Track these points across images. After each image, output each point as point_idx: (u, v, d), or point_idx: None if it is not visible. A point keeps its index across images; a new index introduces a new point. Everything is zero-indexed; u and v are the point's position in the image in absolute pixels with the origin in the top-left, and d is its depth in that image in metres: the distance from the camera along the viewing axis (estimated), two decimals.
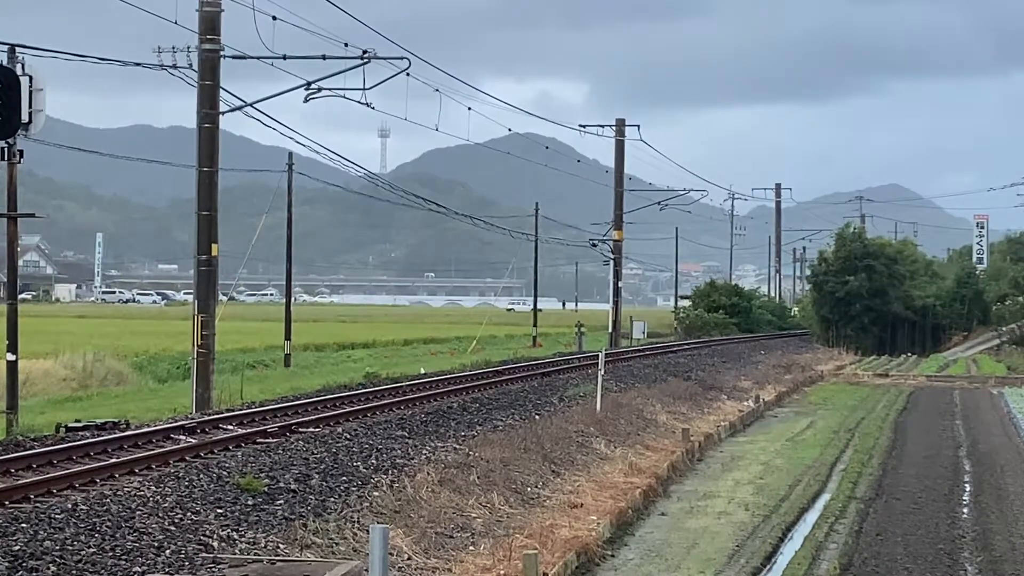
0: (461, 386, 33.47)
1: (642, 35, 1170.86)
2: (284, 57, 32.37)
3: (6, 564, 12.96)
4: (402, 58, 33.39)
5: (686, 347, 62.38)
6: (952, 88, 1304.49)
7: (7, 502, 15.41)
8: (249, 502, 17.05)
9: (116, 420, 23.42)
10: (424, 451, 22.55)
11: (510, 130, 57.49)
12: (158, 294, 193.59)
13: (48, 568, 13.03)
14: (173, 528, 15.24)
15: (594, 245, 69.26)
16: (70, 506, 15.39)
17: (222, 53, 31.20)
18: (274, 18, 31.52)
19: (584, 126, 68.12)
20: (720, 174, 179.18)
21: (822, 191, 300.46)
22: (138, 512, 15.60)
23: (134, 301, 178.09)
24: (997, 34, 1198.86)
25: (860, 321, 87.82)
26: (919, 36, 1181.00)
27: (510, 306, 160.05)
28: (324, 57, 32.69)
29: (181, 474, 17.92)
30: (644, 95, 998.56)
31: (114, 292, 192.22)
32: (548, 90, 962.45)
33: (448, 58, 37.21)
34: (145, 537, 14.68)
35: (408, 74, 33.66)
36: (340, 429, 23.62)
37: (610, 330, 68.64)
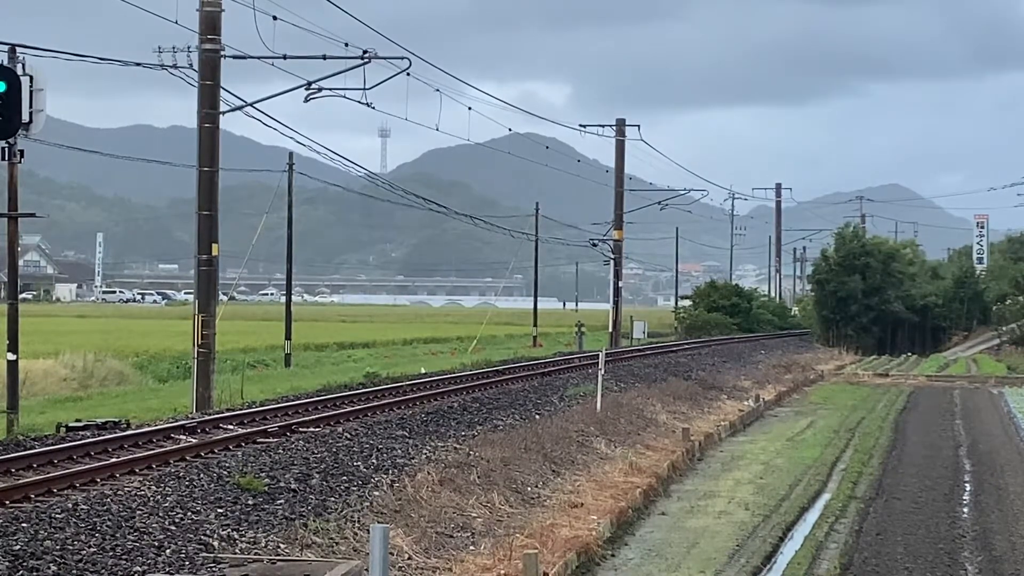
0: (461, 386, 33.47)
1: (620, 37, 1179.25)
2: (284, 57, 32.36)
3: (7, 564, 12.96)
4: (402, 58, 33.38)
5: (686, 347, 62.36)
6: (930, 90, 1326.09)
7: (8, 502, 15.41)
8: (249, 502, 17.05)
9: (117, 420, 23.41)
10: (424, 451, 22.55)
11: (510, 130, 57.49)
12: (159, 294, 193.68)
13: (48, 568, 13.03)
14: (173, 528, 15.24)
15: (594, 245, 69.26)
16: (70, 506, 15.39)
17: (222, 53, 31.20)
18: (274, 18, 31.52)
19: (584, 126, 68.29)
20: (709, 175, 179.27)
21: (822, 191, 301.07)
22: (138, 512, 15.61)
23: (135, 301, 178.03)
24: (973, 38, 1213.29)
25: (860, 321, 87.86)
26: (896, 40, 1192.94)
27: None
28: (324, 57, 32.68)
29: (181, 474, 17.91)
30: (626, 96, 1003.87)
31: (115, 292, 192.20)
32: (530, 92, 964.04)
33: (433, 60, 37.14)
34: (145, 537, 14.68)
35: (408, 74, 33.67)
36: (340, 429, 23.61)
37: (610, 330, 68.65)
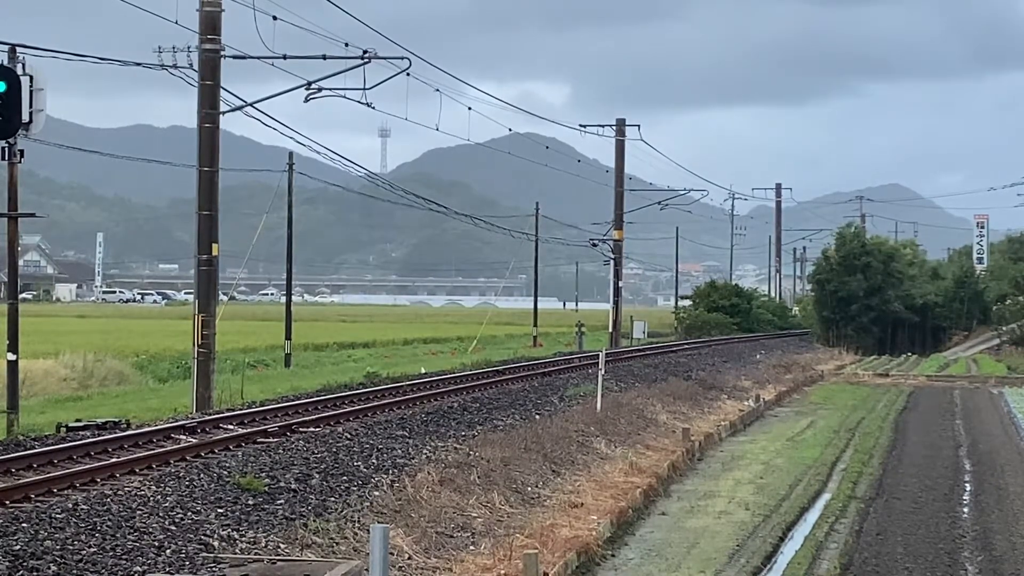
0: (461, 386, 33.47)
1: (620, 37, 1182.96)
2: (284, 57, 32.35)
3: (7, 564, 12.96)
4: (402, 58, 33.38)
5: (686, 347, 62.36)
6: (930, 90, 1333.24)
7: (8, 502, 15.41)
8: (250, 502, 17.05)
9: (117, 420, 23.41)
10: (424, 451, 22.55)
11: (510, 130, 57.51)
12: (159, 294, 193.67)
13: (49, 568, 13.03)
14: (173, 528, 15.24)
15: (594, 245, 69.27)
16: (71, 506, 15.39)
17: (222, 53, 31.20)
18: (274, 18, 31.51)
19: (584, 126, 68.35)
20: (709, 175, 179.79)
21: (822, 191, 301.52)
22: (138, 512, 15.61)
23: (135, 301, 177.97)
24: (973, 38, 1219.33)
25: (860, 321, 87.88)
26: (895, 40, 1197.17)
27: None
28: (324, 57, 32.67)
29: (182, 474, 17.91)
30: (626, 96, 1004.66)
31: (115, 292, 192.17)
32: (530, 92, 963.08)
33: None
34: (145, 537, 14.68)
35: (408, 74, 33.66)
36: (341, 429, 23.62)
37: (610, 330, 68.65)
